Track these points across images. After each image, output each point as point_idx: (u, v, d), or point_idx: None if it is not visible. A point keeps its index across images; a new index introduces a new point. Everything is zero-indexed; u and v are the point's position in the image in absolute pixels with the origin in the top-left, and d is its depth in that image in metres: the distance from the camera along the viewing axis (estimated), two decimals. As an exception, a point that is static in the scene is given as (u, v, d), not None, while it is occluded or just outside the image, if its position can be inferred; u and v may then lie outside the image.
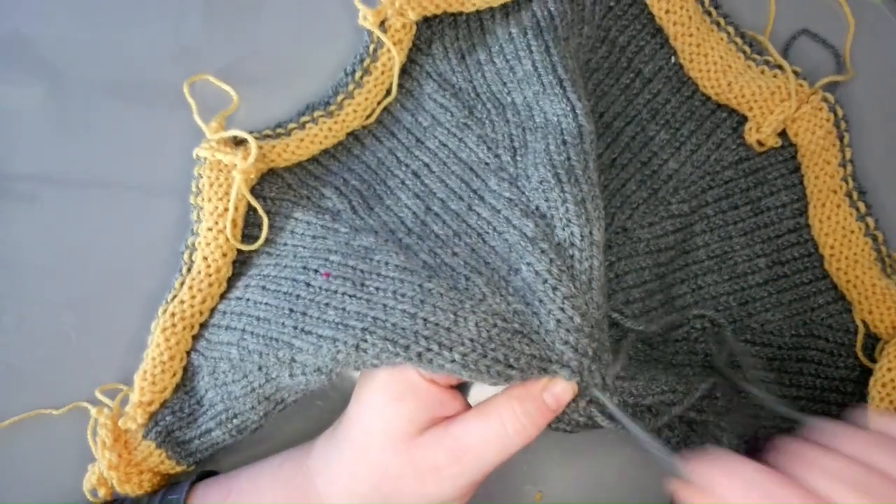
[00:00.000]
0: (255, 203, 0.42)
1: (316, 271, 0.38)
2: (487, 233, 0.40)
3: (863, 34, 0.46)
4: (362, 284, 0.37)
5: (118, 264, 0.43)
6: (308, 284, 0.38)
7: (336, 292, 0.37)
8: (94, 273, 0.43)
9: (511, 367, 0.34)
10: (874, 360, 0.41)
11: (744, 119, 0.44)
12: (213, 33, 0.46)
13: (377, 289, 0.36)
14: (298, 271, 0.39)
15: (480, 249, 0.39)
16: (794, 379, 0.42)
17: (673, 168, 0.44)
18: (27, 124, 0.45)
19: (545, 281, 0.35)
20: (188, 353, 0.41)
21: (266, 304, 0.39)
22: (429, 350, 0.34)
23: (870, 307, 0.42)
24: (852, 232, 0.43)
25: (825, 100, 0.43)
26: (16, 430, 0.42)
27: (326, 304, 0.37)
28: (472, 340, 0.34)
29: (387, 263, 0.38)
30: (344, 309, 0.36)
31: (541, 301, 0.35)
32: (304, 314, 0.37)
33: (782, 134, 0.44)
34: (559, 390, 0.35)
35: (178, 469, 0.41)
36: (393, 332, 0.34)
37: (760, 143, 0.44)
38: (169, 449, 0.40)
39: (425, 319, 0.34)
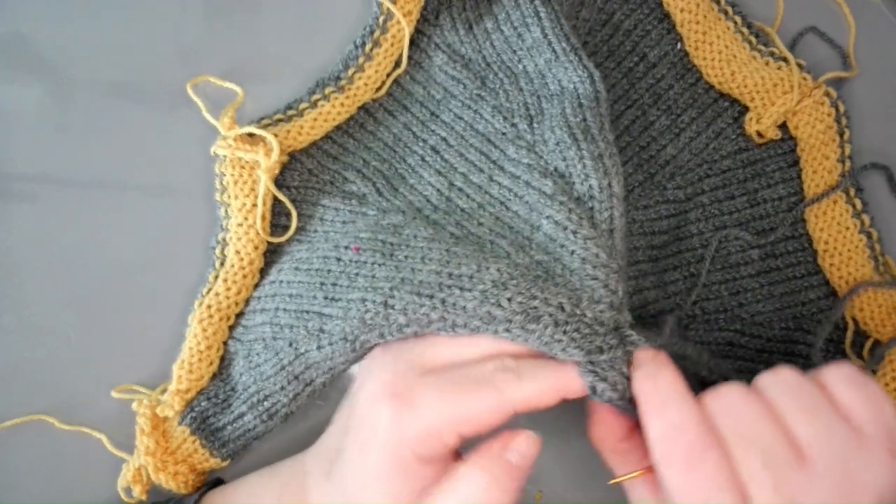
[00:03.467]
0: (282, 197, 0.42)
1: (346, 248, 0.39)
2: (510, 199, 0.40)
3: (862, 34, 0.46)
4: (391, 255, 0.38)
5: (118, 264, 0.43)
6: (339, 259, 0.39)
7: (366, 263, 0.38)
8: (94, 273, 0.43)
9: (535, 297, 0.33)
10: (862, 358, 0.41)
11: (745, 110, 0.44)
12: (214, 32, 0.46)
13: (406, 257, 0.37)
14: (329, 250, 0.40)
15: (504, 216, 0.40)
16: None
17: (671, 154, 0.44)
18: (27, 124, 0.45)
19: (565, 228, 0.35)
20: (224, 343, 0.41)
21: (298, 282, 0.40)
22: (451, 295, 0.34)
23: (860, 304, 0.41)
24: (847, 228, 0.42)
25: (827, 94, 0.43)
26: (17, 432, 0.41)
27: (356, 274, 0.38)
28: (493, 281, 0.34)
29: (415, 236, 0.39)
30: (373, 276, 0.37)
31: (562, 246, 0.35)
32: (334, 285, 0.38)
33: (783, 127, 0.44)
34: (523, 445, 0.32)
35: (212, 462, 0.40)
36: (419, 287, 0.35)
37: (760, 135, 0.44)
38: (203, 437, 0.40)
39: (450, 273, 0.35)
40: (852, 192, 0.43)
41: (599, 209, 0.36)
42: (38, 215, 0.44)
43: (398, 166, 0.43)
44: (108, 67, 0.45)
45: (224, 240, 0.42)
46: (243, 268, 0.41)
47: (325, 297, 0.38)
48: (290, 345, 0.39)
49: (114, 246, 0.44)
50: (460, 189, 0.42)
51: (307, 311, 0.38)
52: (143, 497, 0.40)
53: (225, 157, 0.41)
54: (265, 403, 0.39)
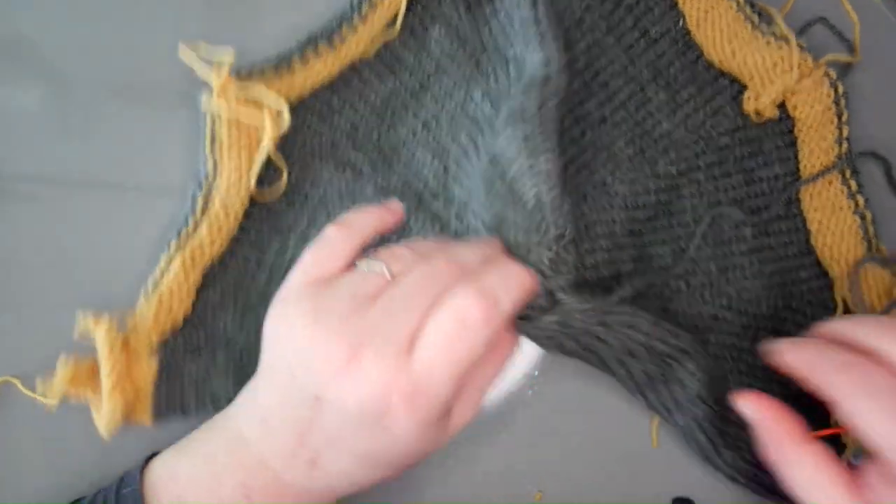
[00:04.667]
0: (278, 161, 0.42)
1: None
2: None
3: (866, 32, 0.46)
4: None
5: (118, 264, 0.43)
6: None
7: None
8: (94, 273, 0.43)
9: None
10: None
11: (745, 89, 0.44)
12: (215, 33, 0.45)
13: None
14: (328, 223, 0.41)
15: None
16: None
17: (666, 129, 0.44)
18: (27, 124, 0.45)
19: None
20: (199, 290, 0.42)
21: None
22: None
23: (851, 285, 0.41)
24: (841, 209, 0.42)
25: (827, 75, 0.43)
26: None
27: None
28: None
29: (418, 232, 0.42)
30: None
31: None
32: None
33: (782, 107, 0.44)
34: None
35: (144, 414, 0.40)
36: None
37: (758, 114, 0.44)
38: (162, 378, 0.40)
39: None
40: (848, 173, 0.43)
41: (523, 188, 0.37)
42: (38, 215, 0.44)
43: (388, 136, 0.44)
44: (108, 68, 0.45)
45: (209, 191, 0.42)
46: (229, 222, 0.42)
47: None
48: None
49: (114, 246, 0.44)
50: (454, 177, 0.43)
51: None
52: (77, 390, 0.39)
53: (220, 115, 0.41)
54: (248, 372, 0.39)
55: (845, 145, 0.43)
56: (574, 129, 0.44)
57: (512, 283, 0.34)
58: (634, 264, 0.43)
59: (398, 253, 0.34)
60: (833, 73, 0.43)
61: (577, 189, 0.43)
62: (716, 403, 0.38)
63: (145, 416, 0.40)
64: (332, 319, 0.31)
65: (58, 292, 0.43)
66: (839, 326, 0.35)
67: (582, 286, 0.41)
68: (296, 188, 0.43)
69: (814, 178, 0.43)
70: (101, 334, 0.38)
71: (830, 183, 0.43)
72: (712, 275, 0.43)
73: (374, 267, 0.34)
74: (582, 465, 0.41)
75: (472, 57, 0.44)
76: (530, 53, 0.41)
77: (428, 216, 0.43)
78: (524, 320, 0.37)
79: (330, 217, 0.43)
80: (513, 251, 0.37)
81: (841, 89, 0.43)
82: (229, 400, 0.38)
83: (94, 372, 0.39)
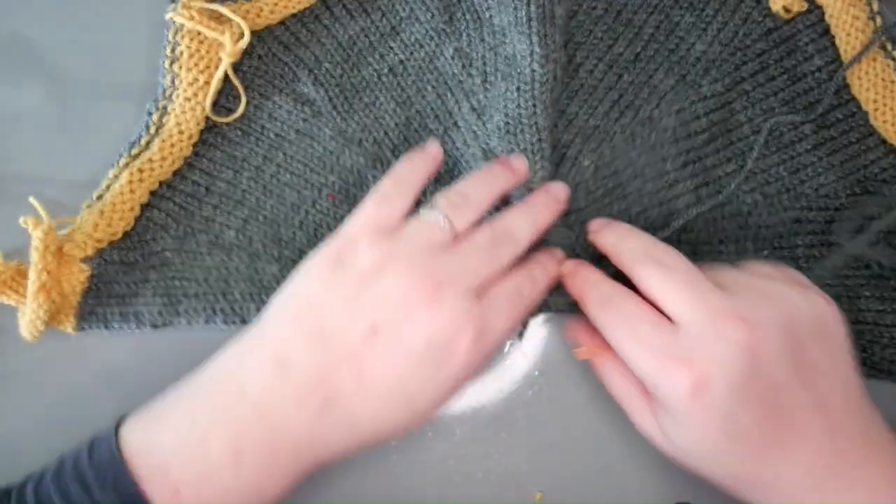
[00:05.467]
0: (237, 84, 0.42)
1: (320, 191, 0.42)
2: (460, 162, 0.43)
3: None
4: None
5: None
6: (314, 203, 0.42)
7: (339, 211, 0.42)
8: None
9: None
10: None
11: (766, -9, 0.44)
12: None
13: None
14: (302, 185, 0.43)
15: (454, 176, 0.42)
16: (856, 238, 0.42)
17: (700, 50, 0.43)
18: (27, 124, 0.45)
19: None
20: (143, 208, 0.42)
21: (272, 206, 0.43)
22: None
23: (922, 154, 0.41)
24: (893, 82, 0.42)
25: (846, -45, 0.43)
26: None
27: (336, 221, 0.42)
28: None
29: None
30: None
31: None
32: (317, 227, 0.42)
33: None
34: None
35: (68, 321, 0.40)
36: None
37: (787, 10, 0.43)
38: (93, 286, 0.40)
39: None
40: (889, 46, 0.43)
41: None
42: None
43: (352, 76, 0.44)
44: (108, 67, 0.45)
45: (165, 108, 0.42)
46: (182, 141, 0.42)
47: (308, 242, 0.42)
48: (249, 256, 0.42)
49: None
50: (417, 131, 0.43)
51: (285, 241, 0.42)
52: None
53: (182, 25, 0.41)
54: (178, 295, 0.41)
55: (879, 20, 0.43)
56: (609, 74, 0.44)
57: (546, 270, 0.38)
58: (697, 191, 0.42)
59: (452, 201, 0.36)
60: (851, -48, 0.43)
61: (624, 130, 0.43)
62: None
63: (68, 324, 0.40)
64: (409, 262, 0.34)
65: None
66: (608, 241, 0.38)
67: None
68: (253, 119, 0.43)
69: (855, 58, 0.43)
70: (37, 234, 0.38)
71: (875, 60, 0.43)
72: (785, 179, 0.42)
73: (434, 217, 0.36)
74: (582, 465, 0.41)
75: (447, 9, 0.44)
76: (516, 32, 0.41)
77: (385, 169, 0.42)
78: None
79: (286, 157, 0.43)
80: None
81: (863, -34, 0.43)
82: (152, 322, 0.40)
83: (22, 275, 0.40)
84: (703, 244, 0.42)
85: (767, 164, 0.43)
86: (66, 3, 0.46)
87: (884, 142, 0.42)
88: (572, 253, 0.41)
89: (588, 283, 0.37)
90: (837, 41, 0.43)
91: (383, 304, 0.33)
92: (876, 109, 0.42)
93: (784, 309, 0.33)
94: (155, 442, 0.33)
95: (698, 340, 0.32)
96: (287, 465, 0.33)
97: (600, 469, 0.41)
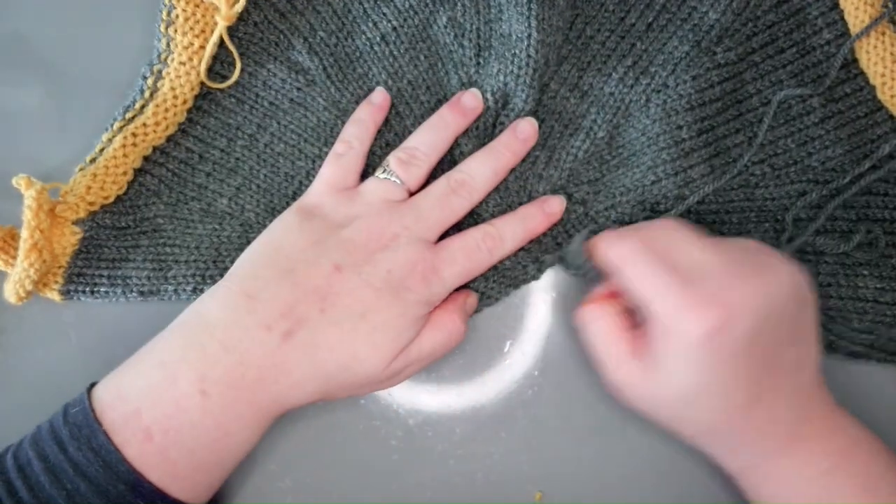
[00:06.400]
0: (232, 49, 0.42)
1: (314, 162, 0.43)
2: None
3: None
4: None
5: None
6: (308, 173, 0.43)
7: None
8: None
9: None
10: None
11: (777, -39, 0.43)
12: None
13: None
14: (296, 155, 0.43)
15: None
16: (862, 213, 0.42)
17: (714, 18, 0.43)
18: (27, 124, 0.45)
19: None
20: (137, 173, 0.42)
21: (265, 175, 0.43)
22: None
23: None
24: (901, 57, 0.42)
25: (858, -74, 0.42)
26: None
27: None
28: None
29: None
30: None
31: None
32: (300, 183, 0.43)
33: (817, -30, 0.43)
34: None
35: (59, 278, 0.40)
36: None
37: (798, -19, 0.43)
38: (86, 250, 0.40)
39: None
40: (898, 20, 0.43)
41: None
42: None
43: (346, 45, 0.44)
44: (108, 67, 0.45)
45: (160, 72, 0.42)
46: (176, 105, 0.42)
47: (294, 194, 0.42)
48: (241, 225, 0.42)
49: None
50: (408, 103, 0.43)
51: (272, 207, 0.42)
52: None
53: None
54: (168, 262, 0.40)
55: (888, -7, 0.43)
56: (622, 44, 0.43)
57: (521, 228, 0.40)
58: (710, 161, 0.42)
59: (401, 159, 0.40)
60: (863, -76, 0.42)
61: (639, 98, 0.42)
62: None
63: (55, 287, 0.40)
64: (369, 216, 0.38)
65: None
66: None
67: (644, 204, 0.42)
68: (247, 86, 0.43)
69: (864, 31, 0.42)
70: (30, 194, 0.38)
71: (884, 34, 0.42)
72: (793, 152, 0.42)
73: (386, 176, 0.40)
74: (582, 465, 0.41)
75: None
76: (513, 9, 0.40)
77: (380, 143, 0.43)
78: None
79: (281, 127, 0.43)
80: None
81: (873, -63, 0.42)
82: (139, 288, 0.40)
83: (14, 238, 0.39)
84: (709, 214, 0.42)
85: (775, 136, 0.42)
86: (66, 3, 0.46)
87: (891, 117, 0.42)
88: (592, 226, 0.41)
89: (617, 233, 0.37)
90: (846, 15, 0.43)
91: (346, 247, 0.37)
92: (884, 84, 0.42)
93: (789, 272, 0.34)
94: (126, 388, 0.34)
95: (724, 287, 0.32)
96: (252, 399, 0.34)
97: (600, 469, 0.41)
